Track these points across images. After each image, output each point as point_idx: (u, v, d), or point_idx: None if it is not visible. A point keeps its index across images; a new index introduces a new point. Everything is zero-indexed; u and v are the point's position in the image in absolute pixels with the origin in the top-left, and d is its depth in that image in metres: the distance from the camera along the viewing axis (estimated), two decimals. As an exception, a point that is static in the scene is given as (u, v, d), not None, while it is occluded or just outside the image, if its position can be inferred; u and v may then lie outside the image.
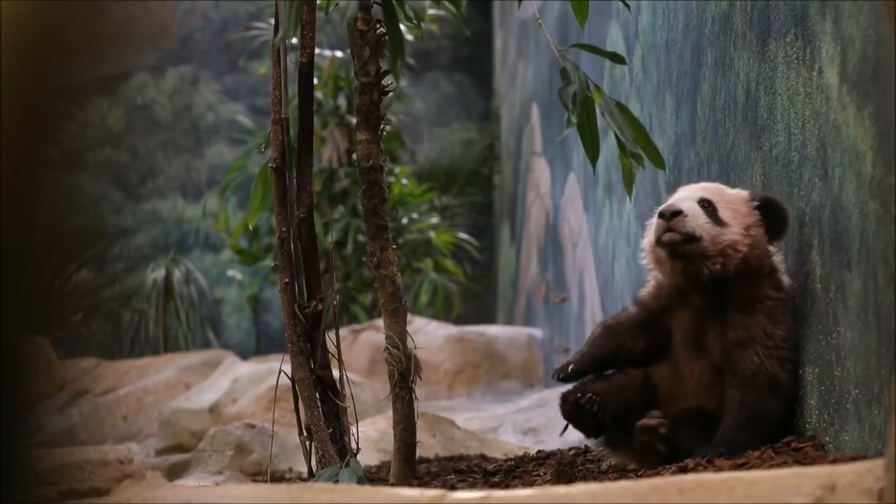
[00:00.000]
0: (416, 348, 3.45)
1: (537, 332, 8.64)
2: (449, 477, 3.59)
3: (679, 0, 4.33)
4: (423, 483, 3.44)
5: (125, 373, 7.87)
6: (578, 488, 1.98)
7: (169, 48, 12.54)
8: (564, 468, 3.18)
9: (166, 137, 12.44)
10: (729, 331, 2.98)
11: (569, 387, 3.19)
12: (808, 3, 2.90)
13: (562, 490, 2.01)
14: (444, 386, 8.15)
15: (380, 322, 5.47)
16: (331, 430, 3.36)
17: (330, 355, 3.44)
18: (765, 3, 3.28)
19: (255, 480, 4.34)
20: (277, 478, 4.12)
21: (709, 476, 1.89)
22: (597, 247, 6.22)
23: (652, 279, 3.22)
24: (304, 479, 3.61)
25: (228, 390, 6.37)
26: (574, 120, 3.19)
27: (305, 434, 3.37)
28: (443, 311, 10.09)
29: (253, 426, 4.67)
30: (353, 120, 4.68)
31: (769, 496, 1.78)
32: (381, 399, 5.30)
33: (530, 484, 3.23)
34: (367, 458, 4.10)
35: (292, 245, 3.43)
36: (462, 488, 3.27)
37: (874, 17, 2.47)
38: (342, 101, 9.64)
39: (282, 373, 3.43)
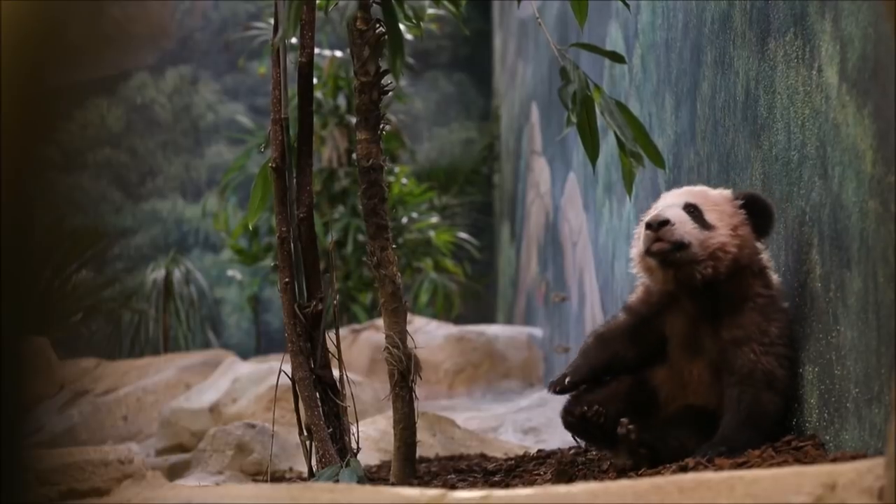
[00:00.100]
0: (416, 348, 3.45)
1: (537, 332, 8.64)
2: (449, 476, 3.59)
3: (678, -1, 4.33)
4: (424, 482, 3.44)
5: (125, 373, 7.87)
6: (579, 487, 1.98)
7: (168, 48, 12.54)
8: (565, 467, 3.18)
9: (166, 137, 12.44)
10: (724, 331, 2.99)
11: (567, 396, 3.19)
12: (808, 1, 2.90)
13: (562, 489, 2.01)
14: (445, 385, 8.15)
15: (380, 322, 5.47)
16: (331, 429, 3.36)
17: (330, 355, 3.44)
18: (764, 2, 3.28)
19: (255, 480, 4.34)
20: (278, 477, 4.12)
21: (709, 475, 1.89)
22: (597, 246, 6.22)
23: (640, 285, 3.22)
24: (304, 479, 3.61)
25: (228, 390, 6.37)
26: (574, 119, 3.19)
27: (306, 434, 3.37)
28: (443, 310, 10.09)
29: (253, 426, 4.67)
30: (353, 119, 4.68)
31: (769, 495, 1.78)
32: (381, 399, 5.30)
33: (531, 483, 3.23)
34: (368, 457, 4.10)
35: (292, 245, 3.43)
36: (462, 488, 3.27)
37: (874, 16, 2.47)
38: (342, 101, 9.64)
39: (282, 372, 3.43)
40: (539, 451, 3.87)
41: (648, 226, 2.96)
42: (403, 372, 3.39)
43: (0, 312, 1.26)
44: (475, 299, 11.62)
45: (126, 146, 12.33)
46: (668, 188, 4.47)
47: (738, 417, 2.90)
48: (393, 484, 3.36)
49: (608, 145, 4.75)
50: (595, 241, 6.27)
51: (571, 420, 3.13)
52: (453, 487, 3.20)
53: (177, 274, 11.28)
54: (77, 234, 10.03)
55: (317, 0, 3.58)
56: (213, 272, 12.13)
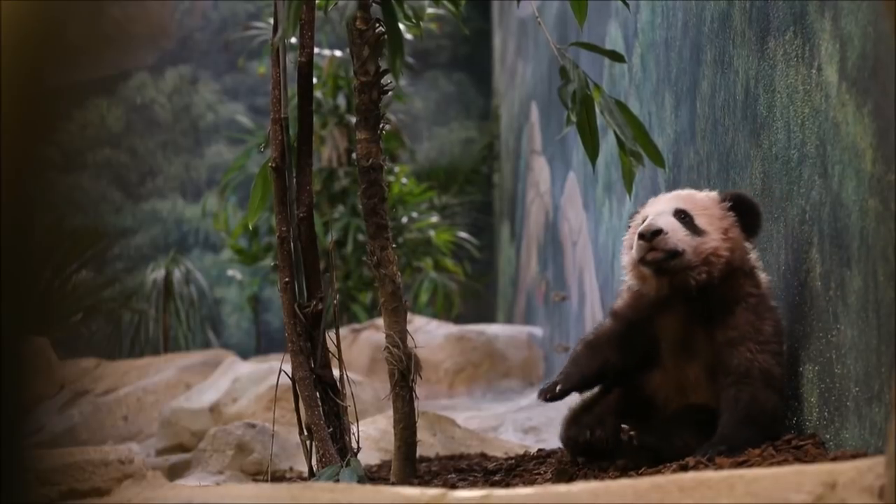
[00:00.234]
0: (416, 347, 3.45)
1: (537, 331, 8.64)
2: (449, 476, 3.59)
3: (678, -2, 4.33)
4: (424, 482, 3.44)
5: (125, 373, 7.86)
6: (579, 487, 1.98)
7: (168, 48, 12.54)
8: (565, 466, 3.18)
9: (166, 137, 12.44)
10: (718, 332, 3.00)
11: (561, 402, 3.19)
12: (807, 0, 2.90)
13: (562, 489, 2.01)
14: (445, 385, 8.15)
15: (380, 321, 5.47)
16: (331, 429, 3.36)
17: (330, 354, 3.44)
18: (764, 1, 3.28)
19: (255, 480, 4.34)
20: (278, 477, 4.12)
21: (709, 474, 1.89)
22: (597, 245, 6.22)
23: (626, 289, 3.21)
24: (304, 479, 3.61)
25: (229, 390, 6.37)
26: (573, 118, 3.19)
27: (306, 433, 3.37)
28: (443, 309, 10.09)
29: (253, 426, 4.67)
30: (353, 119, 4.68)
31: (770, 494, 1.78)
32: (381, 398, 5.30)
33: (531, 482, 3.23)
34: (368, 457, 4.10)
35: (292, 244, 3.43)
36: (463, 487, 3.27)
37: (873, 15, 2.47)
38: (341, 101, 9.64)
39: (282, 372, 3.43)
40: (539, 450, 3.87)
41: (641, 236, 2.96)
42: (404, 371, 3.39)
43: (0, 312, 1.26)
44: (475, 299, 11.63)
45: (126, 146, 12.33)
46: (668, 187, 4.47)
47: (737, 416, 2.91)
48: (393, 483, 3.36)
49: (608, 144, 4.76)
50: (595, 241, 6.27)
51: (574, 446, 3.14)
52: (454, 487, 3.20)
53: (177, 274, 11.29)
54: (77, 234, 10.03)
55: (316, 0, 3.58)
56: (213, 272, 12.13)
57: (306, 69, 3.48)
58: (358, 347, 8.01)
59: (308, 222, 3.43)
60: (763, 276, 3.05)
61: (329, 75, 9.72)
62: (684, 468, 2.69)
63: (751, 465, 2.57)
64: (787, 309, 3.09)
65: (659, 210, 3.03)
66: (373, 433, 4.45)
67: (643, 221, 3.04)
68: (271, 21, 3.61)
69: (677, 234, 2.95)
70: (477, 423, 5.79)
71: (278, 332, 11.36)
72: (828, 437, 2.74)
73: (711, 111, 3.84)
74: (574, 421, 3.17)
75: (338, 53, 9.79)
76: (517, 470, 3.50)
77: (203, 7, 12.62)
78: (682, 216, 3.00)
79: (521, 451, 4.11)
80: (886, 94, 2.38)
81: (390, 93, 3.59)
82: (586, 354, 3.18)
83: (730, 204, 3.04)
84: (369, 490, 2.20)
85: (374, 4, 3.39)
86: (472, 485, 3.36)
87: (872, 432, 2.46)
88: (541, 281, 8.72)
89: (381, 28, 3.37)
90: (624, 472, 2.98)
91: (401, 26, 3.33)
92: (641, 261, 2.98)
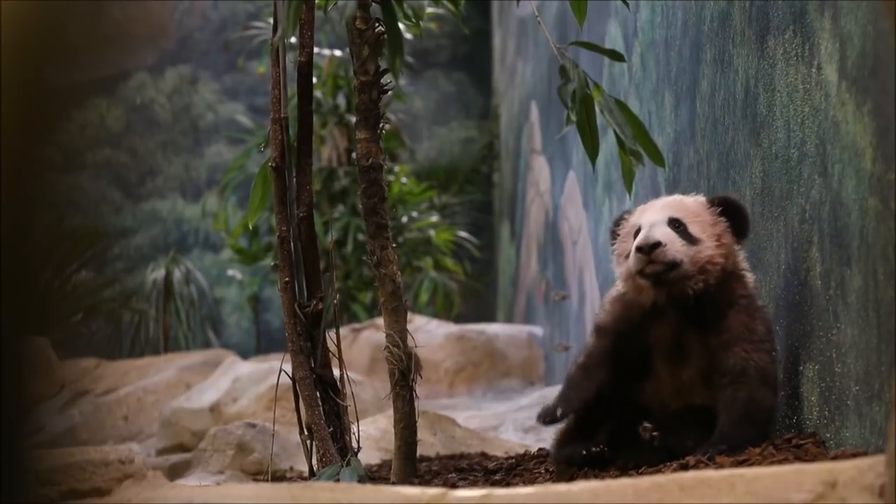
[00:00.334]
0: (416, 347, 3.45)
1: (538, 330, 8.64)
2: (450, 475, 3.59)
3: (678, -3, 4.33)
4: (424, 481, 3.44)
5: (125, 373, 7.86)
6: (579, 486, 1.98)
7: (168, 48, 12.54)
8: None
9: (165, 137, 12.44)
10: (712, 336, 3.01)
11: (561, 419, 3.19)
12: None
13: (563, 488, 2.01)
14: (445, 384, 8.15)
15: (380, 321, 5.47)
16: (331, 428, 3.36)
17: (330, 354, 3.44)
18: (763, 1, 3.28)
19: (256, 480, 4.34)
20: (278, 477, 4.12)
21: (710, 473, 1.89)
22: (597, 244, 6.22)
23: (612, 300, 3.21)
24: (305, 479, 3.61)
25: (229, 390, 6.37)
26: (573, 118, 3.19)
27: (306, 433, 3.37)
28: (443, 309, 10.09)
29: (254, 425, 4.67)
30: (353, 119, 4.68)
31: (770, 493, 1.78)
32: (381, 398, 5.30)
33: (531, 482, 3.23)
34: (368, 456, 4.10)
35: (292, 244, 3.42)
36: (463, 487, 3.27)
37: (873, 14, 2.47)
38: (341, 100, 9.64)
39: (282, 372, 3.43)
40: (540, 449, 3.87)
41: (639, 249, 2.95)
42: (404, 371, 3.39)
43: (0, 312, 1.26)
44: (475, 298, 11.63)
45: (126, 146, 12.33)
46: (668, 186, 4.47)
47: (736, 415, 2.91)
48: (394, 483, 3.36)
49: (608, 144, 4.75)
50: (595, 240, 6.27)
51: (574, 461, 3.13)
52: (454, 486, 3.20)
53: (177, 274, 11.28)
54: (77, 234, 10.03)
55: (316, 0, 3.58)
56: (213, 272, 12.13)
57: (306, 69, 3.48)
58: (358, 347, 8.01)
59: (308, 222, 3.43)
60: (750, 277, 3.07)
61: (329, 75, 9.72)
62: (685, 467, 2.69)
63: (751, 464, 2.57)
64: (787, 308, 3.09)
65: (653, 220, 3.02)
66: (373, 433, 4.45)
67: (635, 231, 3.03)
68: (271, 21, 3.61)
69: (675, 246, 2.95)
70: (477, 423, 5.79)
71: (278, 331, 11.36)
72: (828, 435, 2.74)
73: (711, 110, 3.84)
74: (565, 442, 3.18)
75: (337, 53, 9.79)
76: (517, 469, 3.50)
77: (203, 7, 12.62)
78: (677, 225, 3.00)
79: (521, 451, 4.11)
80: (886, 93, 2.38)
81: (390, 92, 3.59)
82: (582, 376, 3.17)
83: (720, 209, 3.04)
84: (370, 490, 2.20)
85: (373, 4, 3.39)
86: (473, 484, 3.36)
87: (873, 431, 2.46)
88: (541, 280, 8.72)
89: (380, 28, 3.37)
90: (624, 472, 2.98)
91: (400, 26, 3.33)
92: (640, 273, 2.98)
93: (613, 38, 5.60)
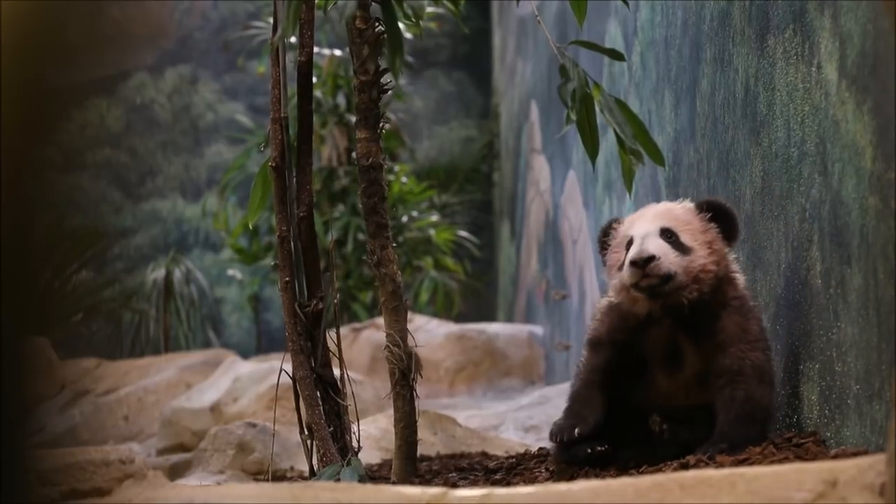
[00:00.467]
0: (416, 346, 3.44)
1: (538, 330, 8.65)
2: (450, 475, 3.59)
3: (677, -4, 4.33)
4: (425, 481, 3.44)
5: (126, 373, 7.86)
6: (580, 485, 1.98)
7: (168, 48, 12.54)
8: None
9: (165, 137, 12.44)
10: (706, 339, 3.01)
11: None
12: (807, -2, 2.90)
13: (563, 487, 2.01)
14: (445, 384, 8.15)
15: (380, 320, 5.47)
16: (332, 428, 3.36)
17: (331, 354, 3.44)
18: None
19: (256, 479, 4.34)
20: (279, 477, 4.12)
21: (710, 472, 1.89)
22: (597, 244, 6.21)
23: (604, 311, 3.20)
24: (305, 478, 3.61)
25: (229, 389, 6.37)
26: (573, 117, 3.18)
27: (307, 433, 3.37)
28: (443, 308, 10.10)
29: (254, 425, 4.67)
30: (353, 118, 4.68)
31: (770, 492, 1.79)
32: (382, 397, 5.30)
33: (532, 481, 3.23)
34: (369, 456, 4.10)
35: (292, 244, 3.42)
36: (463, 486, 3.27)
37: (873, 13, 2.47)
38: (341, 100, 9.64)
39: (283, 371, 3.43)
40: (540, 448, 3.87)
41: (634, 263, 2.95)
42: (404, 370, 3.39)
43: (0, 312, 1.26)
44: (475, 297, 11.63)
45: (126, 146, 12.33)
46: (668, 185, 4.47)
47: (735, 413, 2.92)
48: (394, 482, 3.36)
49: (608, 143, 4.75)
50: (595, 239, 6.27)
51: (577, 460, 3.13)
52: (454, 486, 3.20)
53: (177, 274, 11.29)
54: (77, 234, 10.03)
55: (316, -1, 3.58)
56: (213, 272, 12.13)
57: (306, 68, 3.48)
58: (358, 346, 8.01)
59: (308, 221, 3.43)
60: (740, 278, 3.08)
61: (329, 74, 9.72)
62: (685, 466, 2.69)
63: (752, 464, 2.57)
64: (787, 307, 3.09)
65: (645, 231, 3.01)
66: (373, 432, 4.45)
67: (627, 242, 3.03)
68: (271, 20, 3.61)
69: (668, 258, 2.95)
70: (478, 422, 5.79)
71: (279, 331, 11.36)
72: (828, 434, 2.74)
73: (711, 109, 3.84)
74: (565, 445, 3.17)
75: (337, 52, 9.79)
76: (518, 469, 3.50)
77: (202, 7, 12.62)
78: (669, 235, 3.00)
79: (521, 450, 4.12)
80: (886, 92, 2.38)
81: (390, 92, 3.59)
82: (590, 394, 3.15)
83: (709, 214, 3.04)
84: (370, 489, 2.20)
85: (373, 3, 3.39)
86: (473, 483, 3.36)
87: (873, 430, 2.46)
88: (541, 279, 8.72)
89: (380, 27, 3.37)
90: (624, 471, 2.98)
91: (400, 25, 3.33)
92: (635, 286, 2.98)
93: (613, 37, 5.60)
